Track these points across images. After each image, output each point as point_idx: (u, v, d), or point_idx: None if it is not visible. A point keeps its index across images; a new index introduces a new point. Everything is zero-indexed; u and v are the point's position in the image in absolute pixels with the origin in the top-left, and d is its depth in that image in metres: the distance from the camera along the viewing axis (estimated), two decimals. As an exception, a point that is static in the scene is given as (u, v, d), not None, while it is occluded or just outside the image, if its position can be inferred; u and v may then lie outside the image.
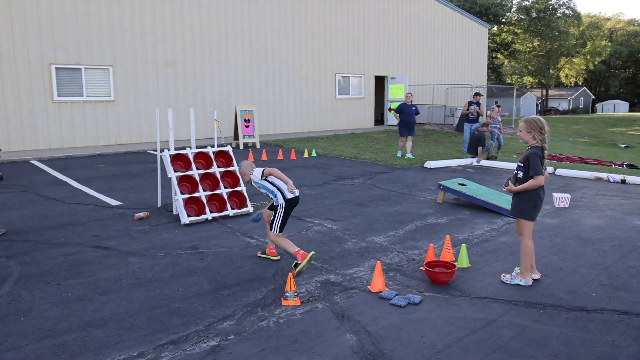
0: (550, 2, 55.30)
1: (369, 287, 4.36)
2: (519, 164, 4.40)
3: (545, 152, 4.34)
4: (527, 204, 4.36)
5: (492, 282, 4.52)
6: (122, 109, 14.90)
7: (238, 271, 4.78)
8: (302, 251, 4.50)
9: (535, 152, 4.28)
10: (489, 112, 16.28)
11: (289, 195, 4.65)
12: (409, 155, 12.77)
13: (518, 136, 4.53)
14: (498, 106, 14.86)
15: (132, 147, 14.25)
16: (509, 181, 4.44)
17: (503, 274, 4.64)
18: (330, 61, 20.24)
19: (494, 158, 13.05)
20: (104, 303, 4.04)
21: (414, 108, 12.83)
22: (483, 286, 4.44)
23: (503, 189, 4.52)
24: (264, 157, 12.38)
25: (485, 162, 12.09)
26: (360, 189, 8.79)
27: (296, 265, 4.23)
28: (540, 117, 4.37)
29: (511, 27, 56.50)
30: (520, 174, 4.37)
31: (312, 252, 4.44)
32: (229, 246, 5.56)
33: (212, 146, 7.58)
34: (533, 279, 4.54)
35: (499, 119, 14.62)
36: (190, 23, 16.05)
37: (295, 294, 4.06)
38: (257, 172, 4.75)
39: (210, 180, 6.97)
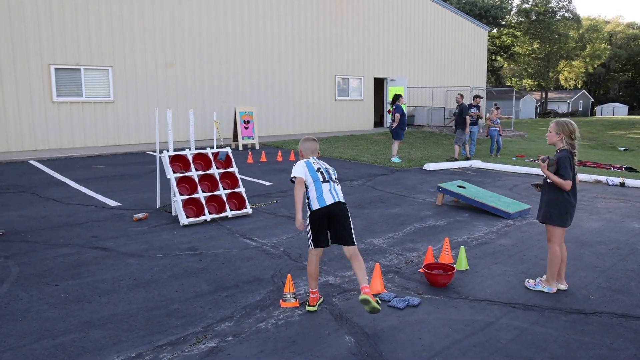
0: (550, 5, 55.40)
1: (367, 289, 4.36)
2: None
3: (575, 158, 4.21)
4: (559, 210, 4.25)
5: (490, 285, 4.52)
6: (121, 109, 14.89)
7: (237, 272, 4.78)
8: (314, 296, 3.98)
9: (565, 155, 4.15)
10: (488, 114, 16.30)
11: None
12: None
13: (546, 137, 4.35)
14: (497, 108, 14.88)
15: (131, 148, 14.25)
16: (543, 179, 4.30)
17: (527, 279, 4.54)
18: (329, 63, 20.26)
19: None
20: (102, 304, 4.04)
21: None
22: (482, 288, 4.44)
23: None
24: (263, 158, 12.38)
25: (484, 164, 12.07)
26: (359, 191, 8.79)
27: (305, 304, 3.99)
28: (571, 121, 4.20)
29: (511, 30, 56.59)
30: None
31: (312, 309, 3.93)
32: (227, 247, 5.56)
33: (212, 147, 7.58)
34: (559, 289, 4.38)
35: (498, 121, 14.65)
36: (189, 24, 16.06)
37: (294, 295, 4.06)
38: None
39: (209, 182, 6.97)
